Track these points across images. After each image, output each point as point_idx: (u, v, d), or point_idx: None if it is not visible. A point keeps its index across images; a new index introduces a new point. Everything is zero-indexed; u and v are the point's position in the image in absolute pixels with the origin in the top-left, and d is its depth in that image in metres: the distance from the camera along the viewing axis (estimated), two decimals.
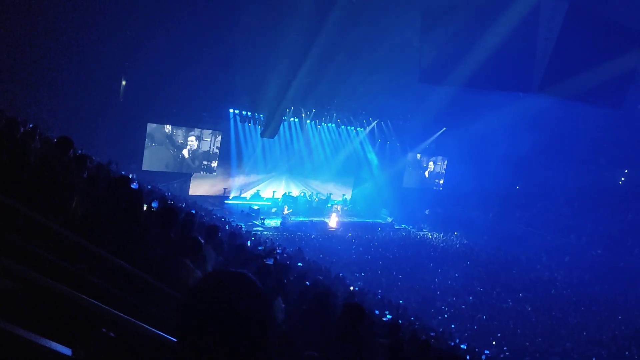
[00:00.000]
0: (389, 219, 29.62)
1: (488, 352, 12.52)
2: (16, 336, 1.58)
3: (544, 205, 29.13)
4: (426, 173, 34.35)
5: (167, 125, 24.00)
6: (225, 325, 1.11)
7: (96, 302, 2.06)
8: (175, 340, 1.17)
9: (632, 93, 19.63)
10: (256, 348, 1.15)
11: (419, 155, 33.41)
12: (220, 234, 7.29)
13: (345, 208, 27.66)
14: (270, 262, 6.94)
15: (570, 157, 28.21)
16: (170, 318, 2.74)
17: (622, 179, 29.24)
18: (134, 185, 6.69)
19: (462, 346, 11.31)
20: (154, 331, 2.19)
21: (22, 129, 4.63)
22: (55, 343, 1.68)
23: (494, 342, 13.73)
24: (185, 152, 24.84)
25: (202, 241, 4.68)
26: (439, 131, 31.23)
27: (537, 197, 29.42)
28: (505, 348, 13.55)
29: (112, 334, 1.87)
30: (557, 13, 15.83)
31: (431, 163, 34.29)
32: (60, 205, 4.00)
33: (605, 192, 27.49)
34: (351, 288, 12.35)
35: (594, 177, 27.75)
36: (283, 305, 5.61)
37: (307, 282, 7.97)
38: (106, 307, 2.09)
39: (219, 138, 25.69)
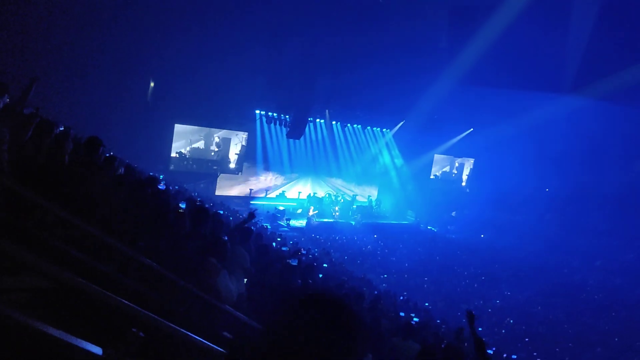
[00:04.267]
0: (415, 220, 29.35)
1: (515, 357, 12.28)
2: (48, 335, 1.59)
3: (575, 208, 28.47)
4: (452, 174, 33.97)
5: (194, 126, 24.28)
6: (316, 352, 1.08)
7: (126, 302, 2.08)
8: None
9: None
10: None
11: (445, 156, 33.04)
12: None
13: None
14: (294, 263, 6.93)
15: (603, 159, 27.48)
16: (204, 321, 2.74)
17: None
18: (161, 186, 6.77)
19: (488, 350, 11.10)
20: (182, 331, 2.20)
21: (56, 130, 4.73)
22: (86, 342, 1.69)
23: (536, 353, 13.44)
24: (211, 153, 25.10)
25: (228, 241, 4.71)
26: (466, 131, 30.79)
27: (568, 199, 28.77)
28: (535, 354, 13.28)
29: (141, 334, 1.88)
30: (589, 12, 15.49)
31: (457, 164, 33.88)
32: (90, 205, 4.06)
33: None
34: (375, 292, 12.26)
35: (628, 180, 27.00)
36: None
37: (332, 284, 7.94)
38: (136, 307, 2.11)
39: (245, 139, 25.89)
